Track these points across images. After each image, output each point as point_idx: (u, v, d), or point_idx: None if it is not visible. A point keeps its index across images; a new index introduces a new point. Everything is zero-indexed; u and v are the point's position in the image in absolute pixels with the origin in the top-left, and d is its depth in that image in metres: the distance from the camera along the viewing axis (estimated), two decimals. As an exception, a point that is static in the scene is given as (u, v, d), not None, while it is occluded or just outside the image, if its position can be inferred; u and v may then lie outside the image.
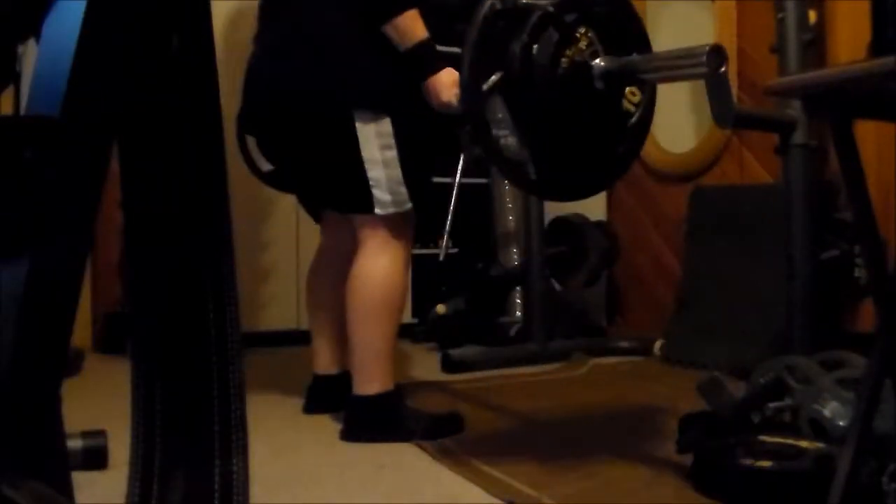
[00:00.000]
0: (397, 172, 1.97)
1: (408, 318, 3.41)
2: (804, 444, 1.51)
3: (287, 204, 2.45)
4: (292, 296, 3.37)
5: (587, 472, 1.72)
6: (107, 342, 3.19)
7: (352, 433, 2.00)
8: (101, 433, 1.68)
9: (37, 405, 0.54)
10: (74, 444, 1.63)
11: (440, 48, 1.97)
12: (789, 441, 1.53)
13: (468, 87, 1.59)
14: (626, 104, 1.67)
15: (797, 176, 2.29)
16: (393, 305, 2.02)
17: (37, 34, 0.55)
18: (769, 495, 1.46)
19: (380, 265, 2.01)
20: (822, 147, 2.36)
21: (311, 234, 2.50)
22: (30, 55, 0.56)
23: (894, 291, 1.21)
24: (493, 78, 1.55)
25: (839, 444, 1.25)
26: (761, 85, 2.58)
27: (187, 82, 0.59)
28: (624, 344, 3.25)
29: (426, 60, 1.94)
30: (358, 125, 1.94)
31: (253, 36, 2.14)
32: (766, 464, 1.47)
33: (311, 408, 2.24)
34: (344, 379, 2.13)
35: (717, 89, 1.51)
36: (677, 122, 3.34)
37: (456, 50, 1.73)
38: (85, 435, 1.67)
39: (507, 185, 3.60)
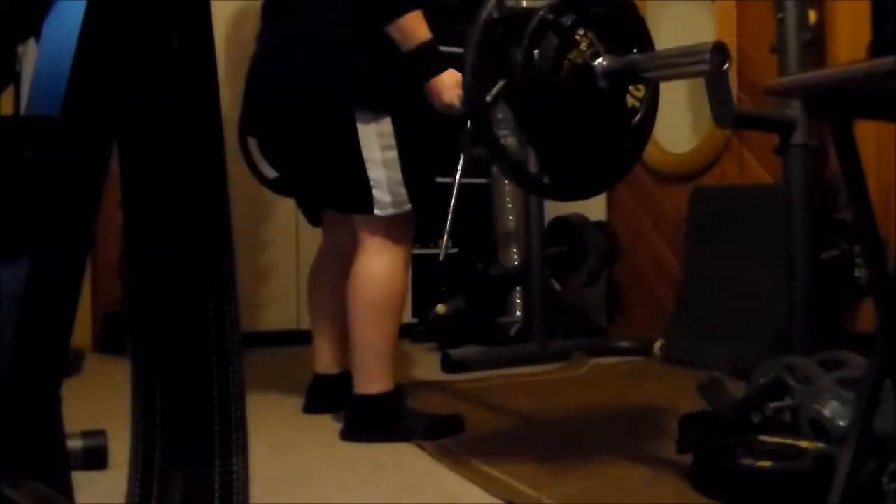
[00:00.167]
0: (397, 173, 1.97)
1: (408, 318, 3.41)
2: (804, 444, 1.51)
3: (287, 204, 2.45)
4: (292, 296, 3.37)
5: (587, 472, 1.72)
6: (107, 342, 3.19)
7: (352, 433, 2.00)
8: (101, 433, 1.68)
9: (37, 405, 0.54)
10: (74, 444, 1.63)
11: (442, 49, 1.97)
12: (789, 441, 1.53)
13: (472, 99, 1.58)
14: (630, 100, 1.67)
15: (797, 176, 2.29)
16: (393, 305, 2.02)
17: (37, 34, 0.55)
18: (769, 495, 1.46)
19: (380, 265, 2.01)
20: (822, 147, 2.36)
21: (311, 234, 2.50)
22: (30, 55, 0.56)
23: (894, 291, 1.21)
24: (497, 87, 1.54)
25: (839, 444, 1.25)
26: (761, 85, 2.58)
27: (187, 82, 0.59)
28: (624, 344, 3.25)
29: (429, 61, 1.94)
30: (359, 125, 1.94)
31: (255, 35, 2.14)
32: (766, 464, 1.47)
33: (312, 408, 2.25)
34: (344, 379, 2.13)
35: (717, 89, 1.51)
36: (677, 123, 3.34)
37: (458, 50, 1.73)
38: (85, 435, 1.67)
39: (507, 185, 3.60)
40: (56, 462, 0.56)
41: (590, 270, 3.50)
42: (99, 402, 1.90)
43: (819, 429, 1.56)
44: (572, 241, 3.52)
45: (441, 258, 2.82)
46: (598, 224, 3.59)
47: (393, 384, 2.04)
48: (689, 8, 3.39)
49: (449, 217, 2.55)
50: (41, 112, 0.53)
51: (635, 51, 1.63)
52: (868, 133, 2.46)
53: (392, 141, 1.96)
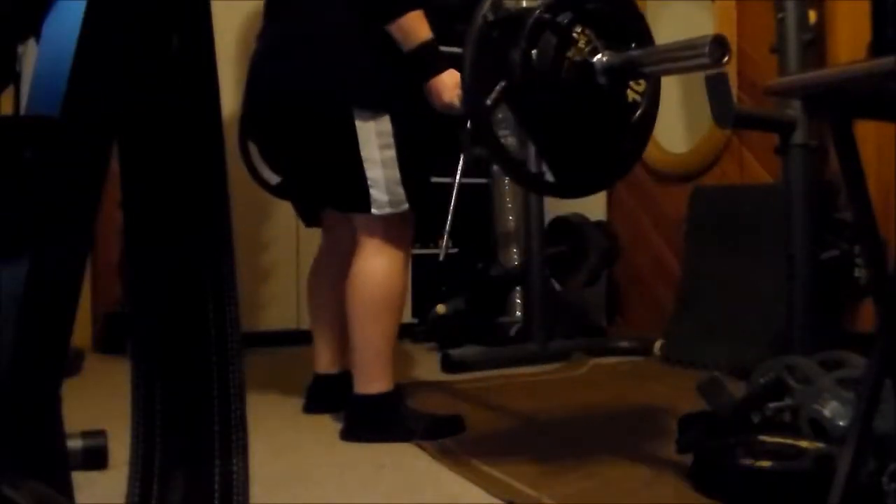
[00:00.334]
0: (395, 173, 1.97)
1: (408, 318, 3.41)
2: (804, 444, 1.51)
3: (287, 204, 2.44)
4: (292, 296, 3.37)
5: (587, 472, 1.72)
6: (107, 342, 3.19)
7: (352, 433, 2.00)
8: (101, 433, 1.68)
9: (37, 405, 0.54)
10: (74, 444, 1.63)
11: (442, 49, 1.97)
12: (789, 441, 1.53)
13: (472, 99, 1.58)
14: (631, 94, 1.66)
15: (797, 176, 2.29)
16: (392, 305, 2.02)
17: (37, 34, 0.55)
18: (769, 495, 1.46)
19: (379, 265, 2.01)
20: (822, 147, 2.35)
21: (311, 234, 2.50)
22: (30, 55, 0.56)
23: (894, 291, 1.21)
24: (497, 90, 1.54)
25: (839, 444, 1.25)
26: (761, 85, 2.58)
27: (187, 82, 0.59)
28: (624, 344, 3.25)
29: (429, 61, 1.94)
30: (357, 123, 1.94)
31: (257, 34, 2.14)
32: (766, 464, 1.47)
33: (312, 407, 2.25)
34: (344, 379, 2.13)
35: (716, 89, 1.51)
36: (678, 123, 3.34)
37: (458, 50, 1.73)
38: (85, 435, 1.67)
39: (507, 185, 3.60)
40: (56, 462, 0.56)
41: (590, 270, 3.50)
42: (99, 402, 1.90)
43: (819, 429, 1.56)
44: (572, 241, 3.52)
45: (441, 258, 2.82)
46: (598, 224, 3.59)
47: (393, 384, 2.04)
48: (689, 8, 3.39)
49: (449, 217, 2.55)
50: (41, 112, 0.53)
51: (634, 46, 1.63)
52: (868, 133, 2.46)
53: (391, 140, 1.96)
